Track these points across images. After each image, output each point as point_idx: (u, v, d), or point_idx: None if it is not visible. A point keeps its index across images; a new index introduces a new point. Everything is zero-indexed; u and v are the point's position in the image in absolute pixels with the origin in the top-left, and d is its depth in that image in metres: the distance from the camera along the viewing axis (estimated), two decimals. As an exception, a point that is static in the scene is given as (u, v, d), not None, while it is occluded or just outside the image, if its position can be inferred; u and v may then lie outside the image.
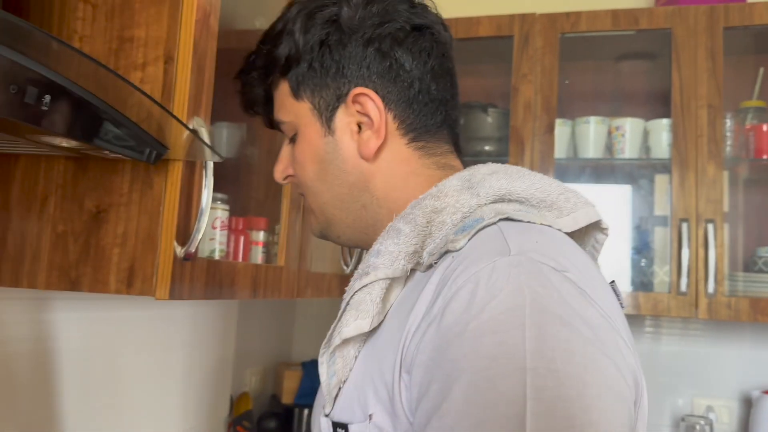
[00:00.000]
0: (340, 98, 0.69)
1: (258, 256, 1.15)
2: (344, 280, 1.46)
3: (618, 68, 2.00)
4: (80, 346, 1.13)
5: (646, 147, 1.81)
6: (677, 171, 1.69)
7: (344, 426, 0.59)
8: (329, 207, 0.72)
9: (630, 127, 1.79)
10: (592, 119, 1.81)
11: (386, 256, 0.62)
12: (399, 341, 0.56)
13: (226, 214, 1.04)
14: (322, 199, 0.72)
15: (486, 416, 0.46)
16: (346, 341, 0.62)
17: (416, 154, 0.70)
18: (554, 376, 0.46)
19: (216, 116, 1.23)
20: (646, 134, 1.80)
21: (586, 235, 0.67)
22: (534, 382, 0.46)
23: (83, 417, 1.15)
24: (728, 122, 1.75)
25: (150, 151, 0.80)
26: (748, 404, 1.81)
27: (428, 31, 0.70)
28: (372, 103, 0.68)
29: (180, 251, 0.85)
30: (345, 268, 1.44)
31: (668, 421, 1.90)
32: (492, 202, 0.62)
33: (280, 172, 0.77)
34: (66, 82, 0.64)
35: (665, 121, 1.76)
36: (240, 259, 1.13)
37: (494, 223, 0.58)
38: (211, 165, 0.88)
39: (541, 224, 0.59)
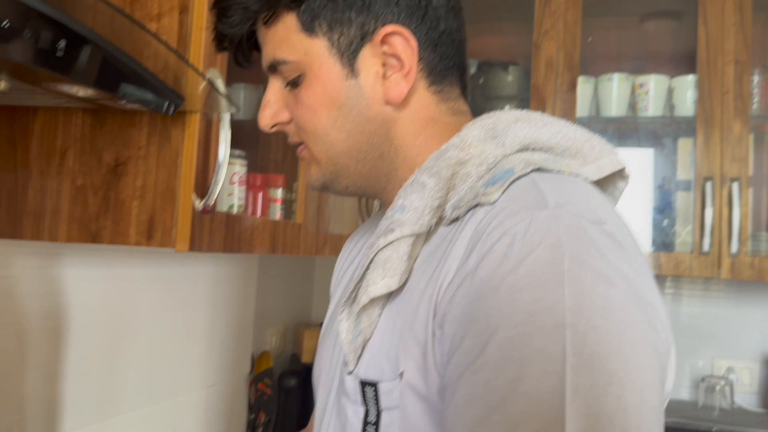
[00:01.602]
0: (365, 36, 0.62)
1: (276, 212, 1.15)
2: (363, 238, 1.46)
3: (642, 26, 1.95)
4: (99, 302, 1.15)
5: (670, 105, 1.77)
6: (702, 129, 1.66)
7: (373, 384, 0.57)
8: (343, 157, 0.65)
9: (654, 84, 1.75)
10: (616, 76, 1.77)
11: (411, 212, 0.59)
12: (431, 297, 0.55)
13: (244, 169, 1.04)
14: (335, 148, 0.65)
15: (522, 372, 0.45)
16: (372, 300, 0.60)
17: (434, 99, 0.66)
18: (594, 332, 0.45)
19: (233, 78, 1.22)
20: (670, 92, 1.76)
21: (606, 182, 0.65)
22: (573, 338, 0.45)
23: (102, 373, 1.17)
24: (756, 78, 1.70)
25: (167, 102, 0.79)
26: (769, 365, 1.80)
27: None
28: (405, 43, 0.62)
29: (198, 204, 0.85)
30: (363, 226, 1.44)
31: (688, 382, 1.89)
32: (517, 152, 0.59)
33: (268, 117, 0.67)
34: (81, 28, 0.63)
35: (690, 78, 1.71)
36: (258, 215, 1.13)
37: (526, 175, 0.56)
38: (227, 117, 0.87)
39: (569, 173, 0.57)
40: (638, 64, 1.92)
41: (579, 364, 0.44)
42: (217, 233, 0.90)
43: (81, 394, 1.11)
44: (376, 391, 0.57)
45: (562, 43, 1.75)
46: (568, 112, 1.74)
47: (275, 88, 0.68)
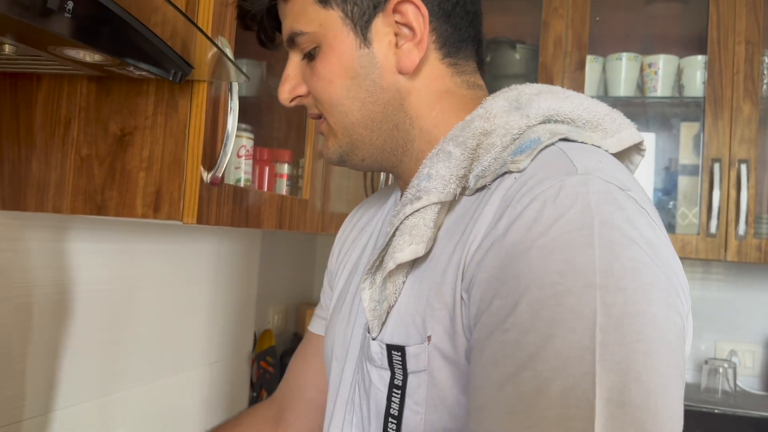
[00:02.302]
0: (377, 6, 0.64)
1: (283, 188, 1.13)
2: (368, 216, 1.44)
3: (652, 5, 1.93)
4: (104, 276, 1.13)
5: (679, 85, 1.75)
6: (711, 110, 1.64)
7: (400, 348, 0.58)
8: (358, 127, 0.66)
9: (663, 64, 1.73)
10: (624, 56, 1.75)
11: (438, 180, 0.60)
12: (458, 262, 0.55)
13: (251, 143, 1.02)
14: (350, 118, 0.66)
15: (553, 331, 0.46)
16: (397, 266, 0.60)
17: (449, 71, 0.67)
18: (623, 293, 0.46)
19: (236, 53, 1.20)
20: (679, 72, 1.74)
21: (624, 155, 0.65)
22: (604, 298, 0.46)
23: (105, 349, 1.16)
24: (767, 60, 1.68)
25: (175, 70, 0.77)
26: (772, 348, 1.79)
27: None
28: (416, 12, 0.63)
29: (206, 176, 0.83)
30: (369, 204, 1.42)
31: (691, 364, 1.89)
32: (540, 123, 0.60)
33: (287, 92, 0.70)
34: (89, -11, 0.61)
35: (700, 58, 1.69)
36: (265, 190, 1.11)
37: (552, 144, 0.56)
38: (236, 87, 0.85)
39: (591, 144, 0.58)
40: (647, 44, 1.89)
41: (608, 322, 0.45)
42: (225, 206, 0.89)
43: (83, 370, 1.10)
44: (403, 354, 0.57)
45: (571, 21, 1.73)
46: (576, 92, 1.72)
47: (294, 63, 0.70)
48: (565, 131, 0.58)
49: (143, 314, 1.24)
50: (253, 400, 1.68)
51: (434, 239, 0.60)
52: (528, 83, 0.65)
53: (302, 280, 2.14)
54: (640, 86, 1.78)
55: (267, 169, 1.09)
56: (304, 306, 1.99)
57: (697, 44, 1.78)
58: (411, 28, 0.63)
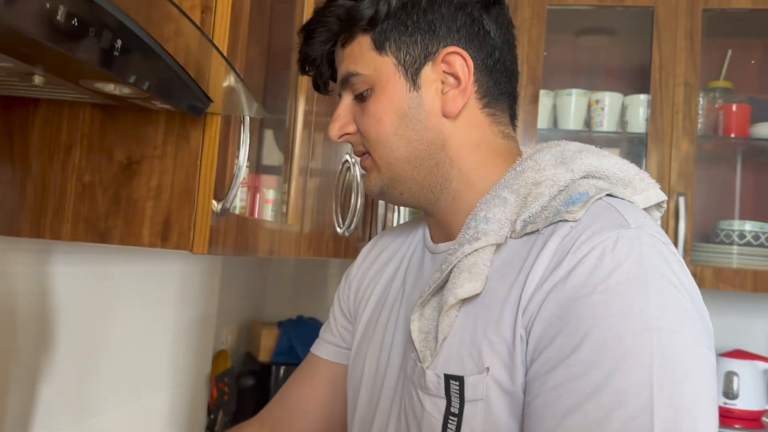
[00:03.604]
0: (428, 56, 0.70)
1: (269, 213, 1.15)
2: (339, 240, 1.47)
3: (598, 44, 2.06)
4: (80, 301, 1.11)
5: (623, 121, 1.87)
6: (652, 145, 1.77)
7: (458, 378, 0.62)
8: (401, 162, 0.72)
9: (609, 101, 1.85)
10: (574, 92, 1.86)
11: (495, 223, 0.65)
12: (516, 301, 0.60)
13: (247, 170, 1.03)
14: (394, 154, 0.72)
15: (615, 367, 0.52)
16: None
17: (487, 120, 0.73)
18: (674, 336, 0.53)
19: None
20: (624, 109, 1.87)
21: (647, 210, 0.72)
22: (659, 340, 0.52)
23: (79, 375, 1.13)
24: (701, 101, 1.83)
25: (196, 104, 0.78)
26: (700, 367, 1.93)
27: (505, 6, 0.74)
28: (462, 62, 0.70)
29: (217, 206, 0.84)
30: (339, 229, 1.45)
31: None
32: (581, 177, 0.66)
33: (337, 129, 0.76)
34: (137, 28, 0.62)
35: (643, 97, 1.82)
36: (255, 216, 1.12)
37: (600, 198, 0.63)
38: (248, 120, 0.87)
39: (628, 200, 0.65)
40: (592, 80, 2.02)
41: (663, 362, 0.52)
42: (230, 236, 0.90)
43: (59, 397, 1.07)
44: (461, 384, 0.62)
45: (526, 57, 1.82)
46: (530, 124, 1.81)
47: (346, 103, 0.76)
48: (606, 187, 0.65)
49: (116, 338, 1.22)
50: (211, 423, 1.66)
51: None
52: (567, 141, 0.72)
53: (255, 298, 2.13)
54: (587, 121, 1.89)
55: (258, 195, 1.10)
56: (258, 325, 1.98)
57: (640, 79, 1.91)
58: (457, 77, 0.70)
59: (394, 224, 1.87)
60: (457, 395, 0.62)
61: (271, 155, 1.26)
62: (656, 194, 0.68)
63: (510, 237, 0.66)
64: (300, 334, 1.92)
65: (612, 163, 0.68)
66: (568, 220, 0.61)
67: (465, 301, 0.65)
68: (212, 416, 1.66)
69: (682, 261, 0.60)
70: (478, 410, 0.60)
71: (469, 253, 0.65)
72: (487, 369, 0.60)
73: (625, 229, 0.58)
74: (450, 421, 0.62)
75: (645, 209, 0.69)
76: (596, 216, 0.60)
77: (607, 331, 0.53)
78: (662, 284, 0.55)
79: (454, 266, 0.65)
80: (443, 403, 0.63)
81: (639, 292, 0.54)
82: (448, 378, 0.63)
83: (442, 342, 0.64)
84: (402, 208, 1.89)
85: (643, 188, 0.68)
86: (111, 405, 1.22)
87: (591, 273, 0.56)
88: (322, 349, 0.92)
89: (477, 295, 0.64)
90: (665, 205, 0.71)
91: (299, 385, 0.92)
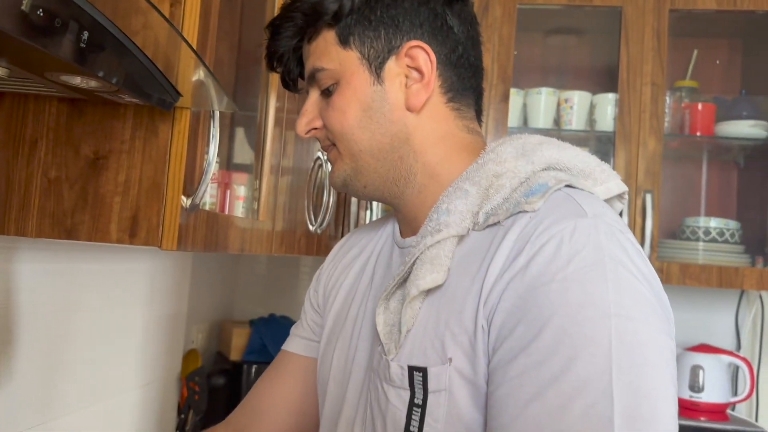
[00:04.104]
0: (391, 50, 0.71)
1: (240, 210, 1.14)
2: (311, 237, 1.47)
3: (567, 43, 2.08)
4: (46, 298, 1.09)
5: (591, 120, 1.90)
6: (620, 143, 1.80)
7: (422, 369, 0.62)
8: (365, 155, 0.73)
9: (578, 99, 1.87)
10: (544, 90, 1.88)
11: (456, 215, 0.66)
12: (478, 292, 0.61)
13: (218, 166, 1.02)
14: (358, 146, 0.72)
15: (574, 354, 0.53)
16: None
17: (452, 114, 0.74)
18: (632, 322, 0.54)
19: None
20: (592, 107, 1.89)
21: (608, 202, 0.72)
22: (617, 326, 0.53)
23: (45, 374, 1.11)
24: (668, 100, 1.86)
25: (165, 98, 0.78)
26: (667, 361, 1.97)
27: (468, 3, 0.75)
28: (425, 56, 0.71)
29: (186, 202, 0.83)
30: (311, 227, 1.45)
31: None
32: (543, 169, 0.67)
33: (304, 124, 0.76)
34: (104, 20, 0.61)
35: (611, 96, 1.85)
36: (226, 213, 1.12)
37: (559, 189, 0.64)
38: (218, 115, 0.86)
39: (588, 191, 0.66)
40: (561, 79, 2.04)
41: (622, 347, 0.53)
42: (200, 232, 0.89)
43: (23, 396, 1.05)
44: (424, 375, 0.62)
45: (497, 56, 1.83)
46: (500, 122, 1.82)
47: (312, 99, 0.76)
48: (566, 178, 0.65)
49: (82, 336, 1.20)
50: (181, 423, 1.64)
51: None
52: (528, 134, 0.73)
53: (225, 296, 2.12)
54: (557, 119, 1.91)
55: (228, 192, 1.09)
56: (228, 324, 1.96)
57: (609, 79, 1.94)
58: (420, 71, 0.71)
59: (367, 221, 1.87)
60: (421, 386, 0.62)
61: (243, 153, 1.25)
62: (617, 185, 0.69)
63: (472, 229, 0.66)
64: (272, 333, 1.91)
65: (573, 155, 0.69)
66: (527, 211, 0.62)
67: (428, 292, 0.65)
68: (183, 416, 1.65)
69: (641, 249, 0.60)
70: (442, 401, 0.61)
71: (431, 245, 0.65)
72: (450, 360, 0.61)
73: (583, 218, 0.59)
74: (414, 412, 0.62)
75: (606, 200, 0.70)
76: (555, 206, 0.61)
77: (566, 319, 0.54)
78: (620, 271, 0.55)
79: (417, 258, 0.66)
80: (407, 394, 0.63)
81: (597, 279, 0.55)
82: (411, 369, 0.63)
83: (405, 334, 0.65)
84: (375, 206, 1.89)
85: (603, 179, 0.69)
86: (79, 404, 1.20)
87: (549, 262, 0.56)
88: (292, 343, 0.92)
89: (440, 287, 0.65)
90: (627, 196, 0.72)
91: (268, 384, 0.92)
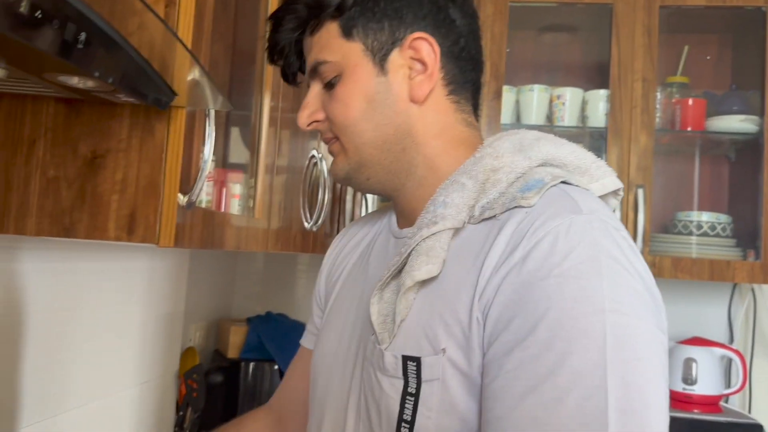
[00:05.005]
0: (395, 42, 0.72)
1: (236, 208, 1.15)
2: (307, 235, 1.48)
3: (558, 40, 2.10)
4: (47, 297, 1.10)
5: (583, 116, 1.92)
6: (612, 139, 1.81)
7: (416, 359, 0.63)
8: (368, 147, 0.73)
9: (570, 96, 1.89)
10: (536, 87, 1.90)
11: (452, 208, 0.67)
12: (473, 284, 0.62)
13: (213, 164, 1.04)
14: (362, 138, 0.73)
15: (570, 348, 0.54)
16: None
17: (452, 107, 0.75)
18: (626, 317, 0.55)
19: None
20: (584, 104, 1.91)
21: (603, 198, 0.74)
22: (611, 321, 0.54)
23: (45, 371, 1.12)
24: (659, 95, 1.88)
25: (161, 98, 0.79)
26: (661, 354, 1.99)
27: None
28: (429, 48, 0.71)
29: (183, 199, 0.85)
30: (306, 224, 1.46)
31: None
32: (539, 165, 0.68)
33: (306, 116, 0.76)
34: (101, 21, 0.63)
35: (603, 92, 1.87)
36: (222, 210, 1.13)
37: (555, 185, 0.65)
38: (213, 113, 0.88)
39: (583, 188, 0.67)
40: (553, 75, 2.06)
41: (615, 342, 0.54)
42: (196, 229, 0.90)
43: (24, 394, 1.06)
44: (418, 365, 0.63)
45: (489, 53, 1.85)
46: (493, 119, 1.84)
47: (314, 91, 0.76)
48: (562, 175, 0.66)
49: (81, 334, 1.21)
50: (179, 420, 1.66)
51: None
52: (525, 129, 0.74)
53: (223, 295, 2.13)
54: (549, 116, 1.93)
55: (224, 190, 1.11)
56: (226, 321, 1.98)
57: (599, 75, 1.96)
58: (423, 63, 0.72)
59: (362, 219, 1.88)
60: (415, 376, 0.63)
61: (238, 152, 1.26)
62: (612, 182, 0.71)
63: (468, 222, 0.67)
64: (269, 331, 1.92)
65: (569, 151, 0.70)
66: (523, 206, 0.63)
67: (423, 284, 0.66)
68: (181, 413, 1.66)
69: (634, 245, 0.61)
70: (435, 390, 0.62)
71: (426, 237, 0.66)
72: (443, 350, 0.62)
73: (578, 214, 0.60)
74: (407, 400, 0.63)
75: (602, 197, 0.71)
76: (550, 202, 0.62)
77: (561, 313, 0.55)
78: (615, 268, 0.56)
79: (413, 249, 0.67)
80: (401, 383, 0.64)
81: (592, 275, 0.56)
82: (405, 359, 0.64)
83: (399, 324, 0.66)
84: (369, 203, 1.91)
85: (599, 176, 0.70)
86: (78, 402, 1.22)
87: (546, 258, 0.57)
88: (306, 339, 0.95)
89: (434, 279, 0.66)
90: (622, 193, 0.73)
91: (292, 376, 0.95)
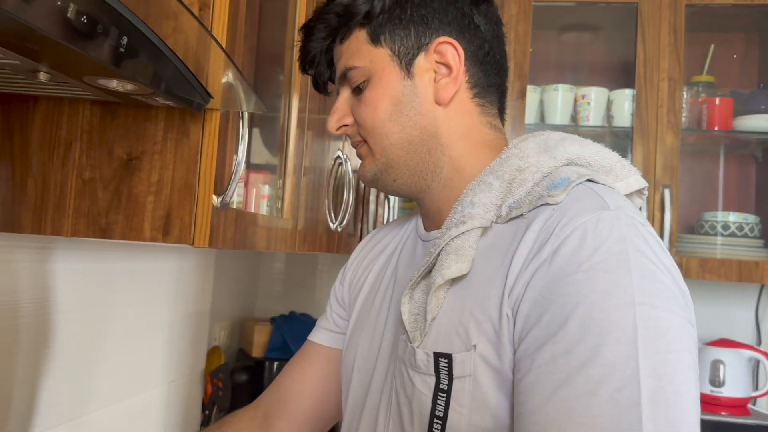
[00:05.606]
0: (421, 46, 0.74)
1: (264, 208, 1.16)
2: (332, 235, 1.49)
3: (582, 38, 2.09)
4: (80, 297, 1.12)
5: (609, 116, 1.90)
6: (638, 138, 1.80)
7: (447, 356, 0.64)
8: (395, 148, 0.75)
9: (595, 95, 1.88)
10: (561, 87, 1.89)
11: (480, 207, 0.68)
12: (502, 282, 0.62)
13: (245, 166, 1.04)
14: (389, 140, 0.75)
15: (601, 341, 0.54)
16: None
17: (477, 110, 0.76)
18: (656, 310, 0.55)
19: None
20: (609, 103, 1.90)
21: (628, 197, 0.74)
22: (642, 313, 0.55)
23: (76, 371, 1.14)
24: (685, 95, 1.86)
25: (196, 101, 0.80)
26: (687, 356, 1.97)
27: (494, 4, 0.78)
28: (453, 52, 0.73)
29: (217, 201, 0.86)
30: (331, 225, 1.47)
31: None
32: (564, 165, 0.69)
33: (335, 121, 0.79)
34: (143, 26, 0.63)
35: (628, 92, 1.85)
36: (252, 211, 1.14)
37: (581, 183, 0.65)
38: (247, 115, 0.88)
39: (609, 186, 0.67)
40: (578, 75, 2.05)
41: (646, 334, 0.54)
42: (229, 230, 0.91)
43: (58, 392, 1.08)
44: (449, 362, 0.64)
45: (513, 53, 1.85)
46: (517, 119, 1.84)
47: (344, 97, 0.79)
48: (588, 173, 0.67)
49: (113, 334, 1.23)
50: (206, 419, 1.67)
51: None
52: (550, 131, 0.75)
53: (246, 295, 2.14)
54: (574, 116, 1.92)
55: (254, 191, 1.12)
56: (250, 321, 1.99)
57: (625, 75, 1.95)
58: (448, 66, 0.74)
59: (385, 219, 1.89)
60: (446, 372, 0.64)
61: (260, 153, 1.27)
62: (637, 181, 0.71)
63: (496, 222, 0.68)
64: (292, 330, 1.93)
65: (594, 150, 0.71)
66: (550, 204, 0.63)
67: (453, 282, 0.67)
68: (207, 412, 1.67)
69: (661, 241, 0.62)
70: (466, 386, 0.62)
71: (455, 236, 0.67)
72: (474, 346, 0.63)
73: (605, 210, 0.60)
74: (439, 397, 0.64)
75: (627, 196, 0.71)
76: (577, 199, 0.63)
77: (592, 307, 0.55)
78: (643, 262, 0.57)
79: (442, 249, 0.68)
80: (433, 380, 0.65)
81: (621, 269, 0.56)
82: (437, 356, 0.65)
83: (431, 322, 0.66)
84: (392, 204, 1.91)
85: (624, 175, 0.70)
86: (107, 401, 1.23)
87: (574, 253, 0.58)
88: (317, 334, 0.95)
89: (464, 277, 0.67)
90: (647, 192, 0.73)
91: (292, 370, 0.95)
